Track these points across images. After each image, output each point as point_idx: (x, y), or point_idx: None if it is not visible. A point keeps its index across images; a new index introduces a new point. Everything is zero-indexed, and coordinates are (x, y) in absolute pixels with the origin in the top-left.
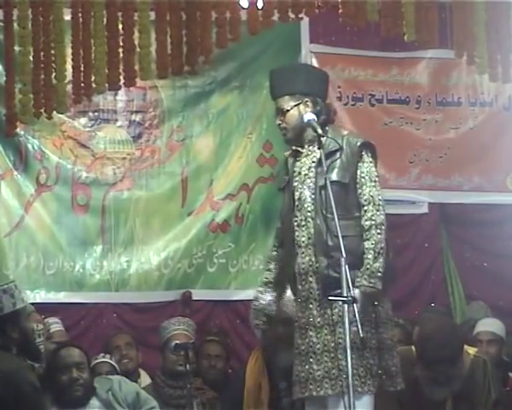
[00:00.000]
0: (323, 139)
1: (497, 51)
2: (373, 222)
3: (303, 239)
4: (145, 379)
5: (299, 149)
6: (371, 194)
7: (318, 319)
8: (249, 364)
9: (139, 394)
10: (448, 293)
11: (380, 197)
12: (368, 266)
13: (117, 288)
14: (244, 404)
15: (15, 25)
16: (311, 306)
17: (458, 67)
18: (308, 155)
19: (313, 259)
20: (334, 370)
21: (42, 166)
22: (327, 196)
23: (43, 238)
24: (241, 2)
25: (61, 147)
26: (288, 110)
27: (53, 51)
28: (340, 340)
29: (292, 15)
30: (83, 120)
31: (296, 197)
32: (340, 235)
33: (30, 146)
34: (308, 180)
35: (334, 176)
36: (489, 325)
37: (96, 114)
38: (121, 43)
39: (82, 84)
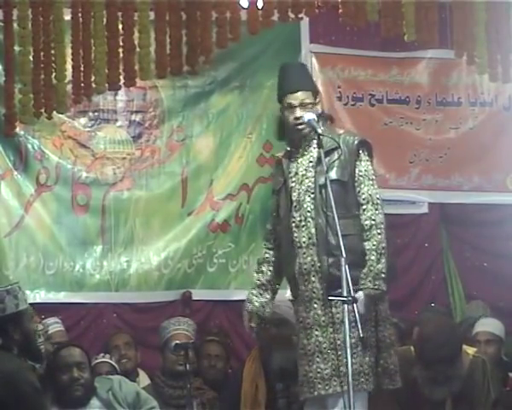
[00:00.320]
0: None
1: (497, 51)
2: (373, 222)
3: (303, 239)
4: (144, 379)
5: (294, 149)
6: (370, 193)
7: (323, 318)
8: (246, 365)
9: (139, 394)
10: (448, 293)
11: (378, 196)
12: (371, 268)
13: (117, 288)
14: (241, 405)
15: (15, 25)
16: (315, 305)
17: (458, 67)
18: (304, 155)
19: (315, 258)
20: (342, 367)
21: (42, 166)
22: (327, 194)
23: (43, 238)
24: (241, 2)
25: (61, 147)
26: (309, 103)
27: (53, 51)
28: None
29: (292, 15)
30: (83, 120)
31: (294, 198)
32: (339, 234)
33: (30, 146)
34: (306, 180)
35: (333, 174)
36: (487, 325)
37: (96, 114)
38: (121, 43)
39: (82, 85)
